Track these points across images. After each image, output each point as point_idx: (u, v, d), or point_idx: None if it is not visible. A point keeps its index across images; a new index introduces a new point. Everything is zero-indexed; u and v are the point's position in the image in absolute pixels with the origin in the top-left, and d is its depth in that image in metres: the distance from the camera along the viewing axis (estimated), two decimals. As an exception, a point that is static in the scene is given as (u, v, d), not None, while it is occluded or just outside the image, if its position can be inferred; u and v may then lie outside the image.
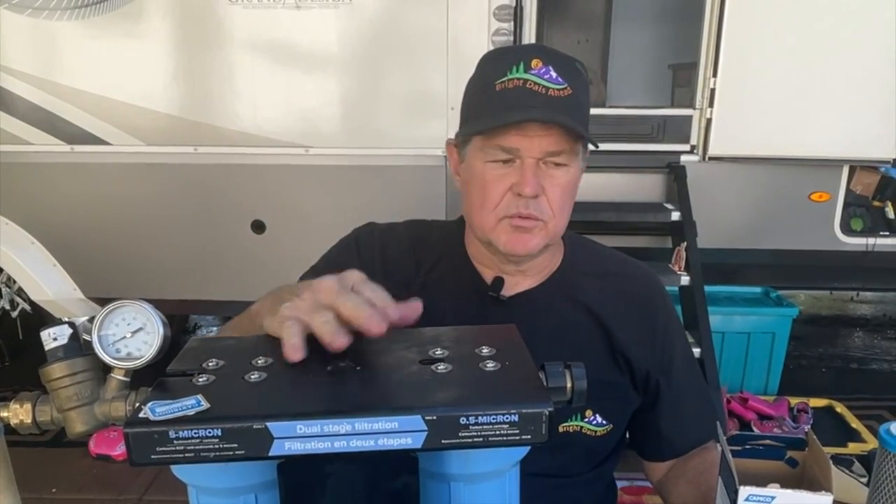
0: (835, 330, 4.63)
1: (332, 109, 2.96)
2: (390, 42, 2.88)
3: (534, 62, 0.94)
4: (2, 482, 0.68)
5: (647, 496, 2.16)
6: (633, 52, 4.52)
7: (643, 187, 3.15)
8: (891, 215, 3.14)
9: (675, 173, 3.01)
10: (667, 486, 1.13)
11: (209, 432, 0.50)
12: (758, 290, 3.59)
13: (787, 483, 0.70)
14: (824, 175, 3.05)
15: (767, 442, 0.82)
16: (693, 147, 3.06)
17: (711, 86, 2.94)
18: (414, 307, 0.67)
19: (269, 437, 0.50)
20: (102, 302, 2.69)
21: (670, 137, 3.08)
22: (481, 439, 0.52)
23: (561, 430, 1.04)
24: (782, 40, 2.87)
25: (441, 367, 0.58)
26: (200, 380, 0.57)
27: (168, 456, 0.50)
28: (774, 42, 2.88)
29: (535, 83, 0.93)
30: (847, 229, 3.12)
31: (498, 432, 0.52)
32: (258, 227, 3.06)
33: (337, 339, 0.60)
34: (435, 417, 0.51)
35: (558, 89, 0.93)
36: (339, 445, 0.50)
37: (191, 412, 0.51)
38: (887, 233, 3.14)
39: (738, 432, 0.79)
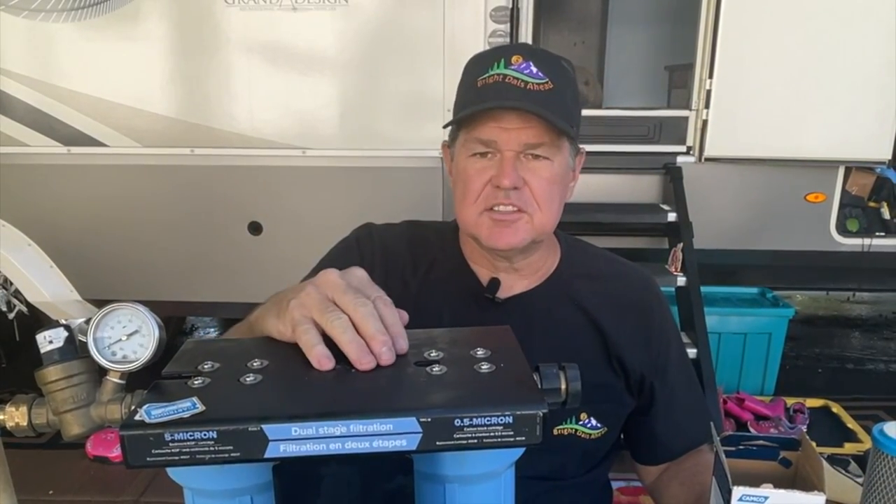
0: (831, 330, 4.64)
1: (328, 111, 2.96)
2: (387, 44, 2.88)
3: (514, 58, 0.95)
4: (-2, 484, 0.68)
5: (643, 496, 2.17)
6: (629, 53, 4.53)
7: (640, 188, 3.16)
8: (886, 216, 3.15)
9: (672, 174, 3.01)
10: (660, 489, 1.13)
11: (205, 435, 0.50)
12: (754, 290, 3.59)
13: (781, 483, 0.70)
14: (820, 176, 3.06)
15: (761, 442, 0.82)
16: (689, 148, 3.07)
17: (707, 87, 2.95)
18: (401, 318, 0.65)
19: (265, 440, 0.50)
20: (99, 303, 2.69)
21: (666, 139, 3.09)
22: (476, 441, 0.52)
23: (556, 433, 1.04)
24: (778, 42, 2.88)
25: (436, 368, 0.58)
26: (196, 382, 0.57)
27: (164, 458, 0.50)
28: (770, 43, 2.89)
29: (515, 78, 0.94)
30: (843, 230, 3.13)
31: (492, 434, 0.52)
32: (255, 228, 3.06)
33: (364, 360, 0.58)
34: (430, 419, 0.51)
35: (538, 83, 0.94)
36: (334, 447, 0.51)
37: (186, 415, 0.51)
38: (883, 233, 3.15)
39: (731, 433, 0.79)
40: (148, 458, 0.50)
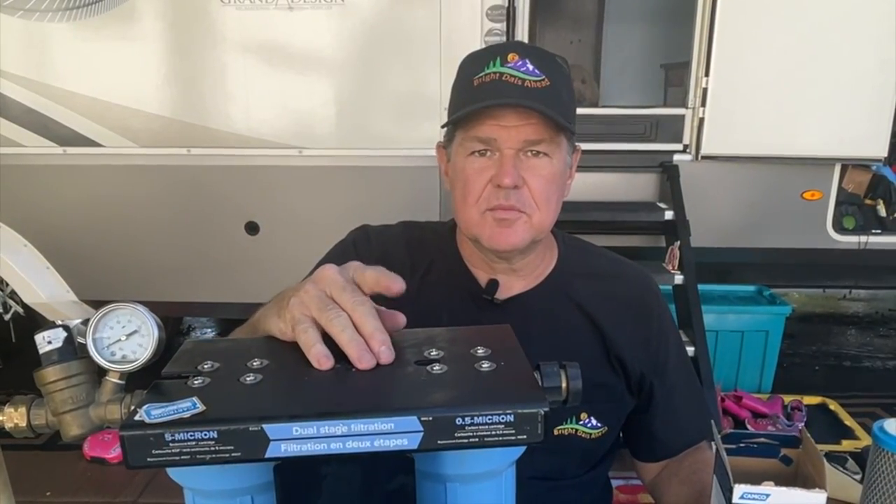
0: (828, 328, 4.65)
1: (325, 111, 2.96)
2: (383, 43, 2.87)
3: (510, 56, 0.94)
4: (-4, 486, 0.68)
5: (642, 495, 2.17)
6: (625, 51, 4.53)
7: (636, 187, 3.16)
8: (883, 213, 3.16)
9: (668, 173, 3.02)
10: (660, 487, 1.13)
11: (205, 434, 0.49)
12: (751, 288, 3.60)
13: (782, 481, 0.70)
14: (816, 174, 3.06)
15: (762, 440, 0.82)
16: (686, 146, 3.07)
17: (704, 85, 2.95)
18: (398, 321, 0.65)
19: (265, 439, 0.50)
20: (96, 304, 2.68)
21: (663, 137, 3.09)
22: (477, 440, 0.52)
23: (556, 433, 1.04)
24: (774, 40, 2.89)
25: (436, 367, 0.58)
26: (196, 382, 0.56)
27: (164, 458, 0.50)
28: (766, 41, 2.89)
29: (512, 75, 0.93)
30: (839, 227, 3.14)
31: (494, 433, 0.52)
32: (252, 228, 3.05)
33: (364, 359, 0.57)
34: (431, 418, 0.51)
35: (535, 80, 0.93)
36: (335, 447, 0.50)
37: (186, 415, 0.51)
38: (879, 231, 3.16)
39: (732, 430, 0.79)
40: (148, 459, 0.50)
